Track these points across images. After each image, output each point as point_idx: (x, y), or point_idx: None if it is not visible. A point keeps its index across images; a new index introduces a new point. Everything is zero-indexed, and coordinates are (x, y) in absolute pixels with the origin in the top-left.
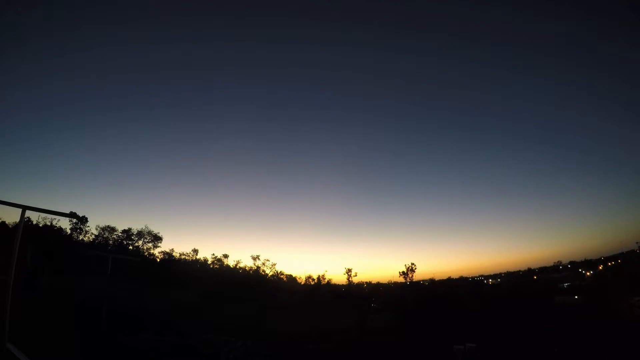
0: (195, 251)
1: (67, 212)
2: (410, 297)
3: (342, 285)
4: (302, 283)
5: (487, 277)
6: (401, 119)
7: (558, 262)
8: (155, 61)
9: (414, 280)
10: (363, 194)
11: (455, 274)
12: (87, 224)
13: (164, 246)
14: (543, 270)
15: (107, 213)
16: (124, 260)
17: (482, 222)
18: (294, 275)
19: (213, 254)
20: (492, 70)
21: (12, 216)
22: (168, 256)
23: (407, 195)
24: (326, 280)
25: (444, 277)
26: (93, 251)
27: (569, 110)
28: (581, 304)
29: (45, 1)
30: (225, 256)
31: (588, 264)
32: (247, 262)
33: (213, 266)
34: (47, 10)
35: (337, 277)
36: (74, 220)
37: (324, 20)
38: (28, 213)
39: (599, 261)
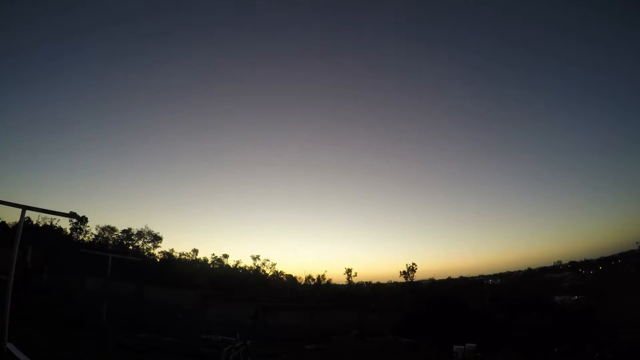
0: (195, 251)
1: (67, 212)
2: (410, 297)
3: (342, 285)
4: (302, 283)
5: (487, 277)
6: (402, 118)
7: (558, 262)
8: (155, 59)
9: (414, 280)
10: (363, 194)
11: (455, 274)
12: (87, 224)
13: (164, 246)
14: (543, 270)
15: (107, 213)
16: (124, 260)
17: (483, 222)
18: (294, 275)
19: (213, 254)
20: (493, 67)
21: (12, 216)
22: (168, 256)
23: (408, 195)
24: (326, 280)
25: (444, 277)
26: (93, 251)
27: (568, 111)
28: (581, 304)
29: None
30: (225, 256)
31: (588, 264)
32: (247, 262)
33: (213, 266)
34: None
35: (337, 277)
36: (74, 220)
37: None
38: (28, 213)
39: (599, 261)
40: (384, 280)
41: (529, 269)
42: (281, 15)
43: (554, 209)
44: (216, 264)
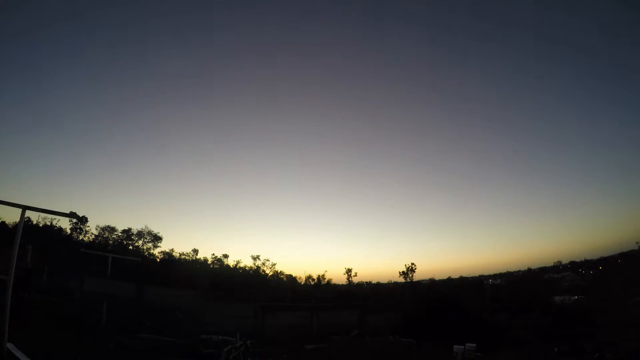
0: (195, 251)
1: (67, 212)
2: (410, 297)
3: (342, 285)
4: (302, 283)
5: (487, 277)
6: (401, 117)
7: (558, 262)
8: (153, 59)
9: (414, 280)
10: (363, 194)
11: (455, 274)
12: (87, 224)
13: (164, 246)
14: (543, 270)
15: (107, 213)
16: (124, 260)
17: (483, 222)
18: (294, 275)
19: (213, 254)
20: (492, 67)
21: (12, 216)
22: (168, 256)
23: (408, 194)
24: (326, 280)
25: (444, 277)
26: (93, 251)
27: (568, 111)
28: (581, 304)
29: None
30: (225, 256)
31: (588, 264)
32: (247, 262)
33: (213, 266)
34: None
35: (337, 277)
36: (74, 220)
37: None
38: (28, 213)
39: (599, 261)
40: (384, 280)
41: (529, 269)
42: (280, 16)
43: (554, 209)
44: (216, 264)
